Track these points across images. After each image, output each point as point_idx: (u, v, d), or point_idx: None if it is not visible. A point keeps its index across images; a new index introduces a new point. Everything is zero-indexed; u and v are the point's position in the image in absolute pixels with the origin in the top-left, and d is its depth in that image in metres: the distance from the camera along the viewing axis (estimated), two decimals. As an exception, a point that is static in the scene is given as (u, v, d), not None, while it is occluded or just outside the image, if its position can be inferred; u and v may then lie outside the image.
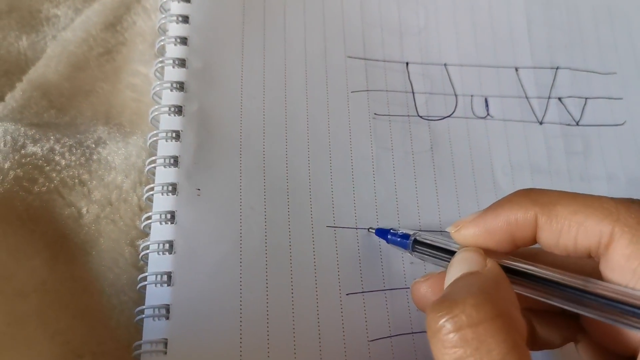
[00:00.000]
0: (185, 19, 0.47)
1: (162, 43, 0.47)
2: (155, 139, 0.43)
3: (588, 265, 0.32)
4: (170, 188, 0.41)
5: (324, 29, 0.50)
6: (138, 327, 0.39)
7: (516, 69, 0.53)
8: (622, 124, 0.53)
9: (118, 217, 0.43)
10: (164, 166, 0.42)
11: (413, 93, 0.50)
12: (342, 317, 0.41)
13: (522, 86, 0.52)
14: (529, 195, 0.32)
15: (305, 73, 0.48)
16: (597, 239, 0.29)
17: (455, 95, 0.51)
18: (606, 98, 0.54)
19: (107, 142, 0.46)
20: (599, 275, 0.30)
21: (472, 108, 0.50)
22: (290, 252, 0.42)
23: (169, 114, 0.44)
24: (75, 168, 0.44)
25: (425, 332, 0.42)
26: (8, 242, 0.41)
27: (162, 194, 0.41)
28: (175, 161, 0.42)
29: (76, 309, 0.41)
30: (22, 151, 0.44)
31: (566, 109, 0.52)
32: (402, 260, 0.44)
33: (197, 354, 0.38)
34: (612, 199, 0.30)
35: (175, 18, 0.47)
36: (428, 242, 0.37)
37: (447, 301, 0.28)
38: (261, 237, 0.42)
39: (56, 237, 0.43)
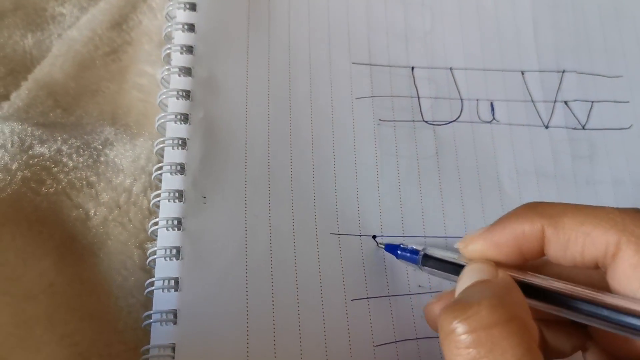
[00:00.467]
0: (191, 28, 0.48)
1: (167, 52, 0.48)
2: (161, 145, 0.44)
3: (595, 276, 0.33)
4: (176, 195, 0.43)
5: (329, 36, 0.51)
6: (145, 330, 0.40)
7: (522, 73, 0.53)
8: (629, 128, 0.54)
9: (127, 219, 0.44)
10: (171, 173, 0.43)
11: (418, 98, 0.51)
12: (347, 322, 0.42)
13: (528, 90, 0.53)
14: (535, 208, 0.32)
15: (310, 81, 0.49)
16: (603, 249, 0.30)
17: (461, 100, 0.51)
18: (612, 102, 0.55)
19: (114, 143, 0.47)
20: (606, 286, 0.31)
21: (477, 112, 0.51)
22: (295, 259, 0.43)
23: (175, 122, 0.45)
24: (83, 170, 0.45)
25: (429, 338, 0.43)
26: (16, 244, 0.42)
27: (169, 201, 0.43)
28: (181, 168, 0.43)
29: (84, 311, 0.42)
30: (30, 152, 0.45)
31: (572, 112, 0.53)
32: (406, 267, 0.45)
33: (205, 359, 0.39)
34: (618, 209, 0.31)
35: (181, 26, 0.48)
36: (437, 256, 0.38)
37: (460, 303, 0.29)
38: (266, 245, 0.43)
39: (64, 239, 0.43)
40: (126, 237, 0.44)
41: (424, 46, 0.53)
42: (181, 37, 0.48)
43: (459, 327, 0.28)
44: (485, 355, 0.27)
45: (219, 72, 0.47)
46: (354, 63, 0.50)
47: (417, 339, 0.43)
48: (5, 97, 0.50)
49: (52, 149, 0.45)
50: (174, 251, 0.41)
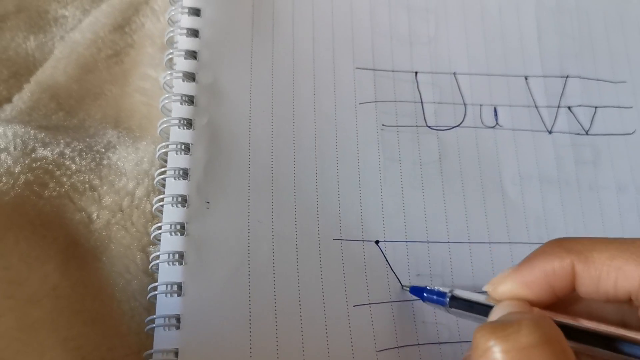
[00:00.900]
0: (195, 33, 0.49)
1: (170, 56, 0.49)
2: (165, 150, 0.45)
3: (627, 310, 0.33)
4: (180, 200, 0.44)
5: (333, 41, 0.51)
6: (148, 334, 0.41)
7: (526, 78, 0.54)
8: (632, 133, 0.55)
9: (130, 223, 0.45)
10: (174, 178, 0.44)
11: (422, 103, 0.51)
12: (349, 328, 0.43)
13: (531, 95, 0.54)
14: (562, 244, 0.32)
15: (314, 86, 0.49)
16: (637, 283, 0.30)
17: (465, 105, 0.52)
18: (616, 107, 0.55)
19: (117, 146, 0.48)
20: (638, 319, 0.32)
21: (481, 117, 0.52)
22: (297, 264, 0.44)
23: (179, 127, 0.46)
24: (86, 173, 0.46)
25: (431, 344, 0.44)
26: (20, 247, 0.42)
27: (173, 206, 0.43)
28: (185, 173, 0.44)
29: (87, 315, 0.42)
30: (33, 155, 0.45)
31: (576, 118, 0.54)
32: (408, 272, 0.46)
33: (208, 364, 0.40)
34: None
35: (185, 31, 0.48)
36: (465, 298, 0.37)
37: (498, 323, 0.29)
38: (269, 250, 0.44)
39: (67, 243, 0.44)
40: (129, 241, 0.45)
41: (428, 51, 0.54)
42: (185, 43, 0.48)
43: (496, 346, 0.28)
44: None
45: (223, 77, 0.48)
46: (357, 68, 0.51)
47: (418, 344, 0.44)
48: (8, 99, 0.51)
49: (54, 152, 0.46)
50: (177, 256, 0.42)
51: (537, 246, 0.46)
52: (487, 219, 0.49)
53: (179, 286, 0.41)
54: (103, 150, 0.47)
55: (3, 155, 0.45)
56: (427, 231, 0.47)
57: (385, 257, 0.46)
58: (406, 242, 0.47)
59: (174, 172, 0.44)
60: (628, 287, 0.30)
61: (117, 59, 0.53)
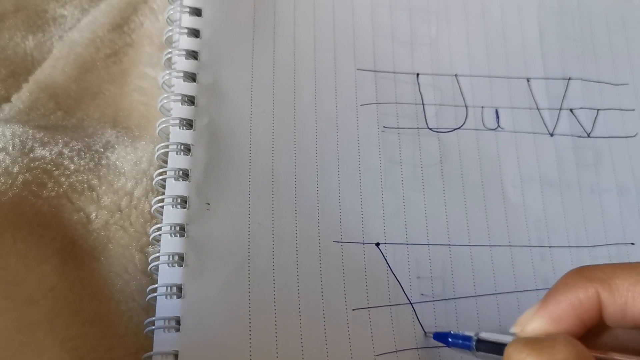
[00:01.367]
0: (195, 33, 0.49)
1: (169, 56, 0.49)
2: (164, 150, 0.46)
3: None
4: (180, 201, 0.44)
5: (334, 42, 0.52)
6: (146, 335, 0.42)
7: (528, 80, 0.55)
8: (634, 136, 0.55)
9: (128, 223, 0.45)
10: (175, 179, 0.44)
11: (423, 105, 0.52)
12: (348, 332, 0.43)
13: (533, 97, 0.54)
14: (583, 274, 0.32)
15: (315, 87, 0.50)
16: None
17: (466, 107, 0.52)
18: (618, 109, 0.56)
19: (116, 146, 0.48)
20: None
21: (482, 119, 0.52)
22: (297, 267, 0.44)
23: (180, 127, 0.46)
24: (84, 173, 0.46)
25: (429, 347, 0.44)
26: (17, 247, 0.43)
27: (173, 207, 0.44)
28: (185, 174, 0.45)
29: (85, 316, 0.43)
30: (31, 155, 0.46)
31: (577, 120, 0.54)
32: (409, 275, 0.46)
33: (208, 366, 0.40)
34: None
35: (185, 31, 0.49)
36: (493, 340, 0.37)
37: (533, 338, 0.30)
38: (269, 253, 0.44)
39: (65, 243, 0.44)
40: (127, 241, 0.45)
41: (429, 53, 0.54)
42: (186, 42, 0.49)
43: (530, 358, 0.28)
44: None
45: (224, 78, 0.48)
46: (359, 69, 0.51)
47: (417, 348, 0.44)
48: (6, 99, 0.51)
49: (53, 152, 0.46)
50: (177, 257, 0.42)
51: (538, 249, 0.48)
52: (488, 221, 0.49)
53: (179, 288, 0.42)
54: (102, 149, 0.48)
55: (1, 155, 0.45)
56: (427, 233, 0.48)
57: (386, 260, 0.46)
58: (407, 244, 0.47)
59: (174, 173, 0.45)
60: None
61: (116, 58, 0.53)
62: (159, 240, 0.44)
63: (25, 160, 0.45)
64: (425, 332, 0.45)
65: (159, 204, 0.44)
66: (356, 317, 0.44)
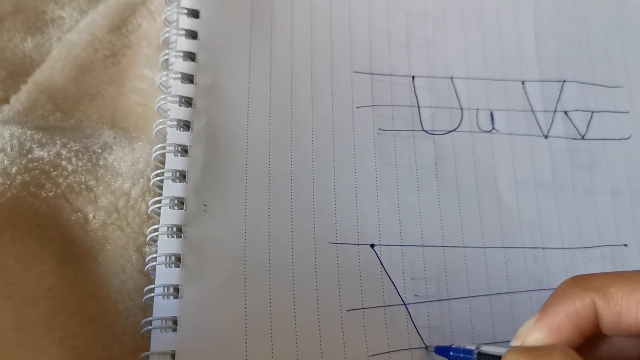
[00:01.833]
0: (193, 35, 0.50)
1: (166, 57, 0.49)
2: (162, 151, 0.46)
3: None
4: (177, 202, 0.45)
5: (331, 44, 0.52)
6: (144, 334, 0.42)
7: (523, 82, 0.55)
8: (629, 138, 0.56)
9: (125, 223, 0.46)
10: (172, 180, 0.45)
11: (418, 107, 0.52)
12: (342, 332, 0.44)
13: (528, 99, 0.54)
14: (579, 284, 0.32)
15: (311, 89, 0.50)
16: None
17: (461, 109, 0.53)
18: (613, 112, 0.56)
19: (113, 147, 0.48)
20: None
21: (477, 122, 0.53)
22: (293, 267, 0.45)
23: (177, 129, 0.47)
24: (82, 173, 0.47)
25: (421, 348, 0.45)
26: (16, 248, 0.43)
27: (170, 208, 0.44)
28: (182, 176, 0.45)
29: (83, 315, 0.43)
30: (29, 155, 0.46)
31: (572, 122, 0.55)
32: (403, 276, 0.47)
33: (204, 366, 0.41)
34: None
35: (183, 33, 0.49)
36: (493, 353, 0.37)
37: (530, 348, 0.30)
38: (265, 254, 0.45)
39: (63, 243, 0.45)
40: (124, 241, 0.45)
41: (425, 55, 0.54)
42: (183, 44, 0.49)
43: None
44: None
45: (221, 80, 0.49)
46: (355, 72, 0.52)
47: (410, 349, 0.45)
48: (5, 100, 0.51)
49: (51, 153, 0.47)
50: (174, 258, 0.43)
51: (531, 251, 0.48)
52: (482, 223, 0.50)
53: (176, 289, 0.42)
54: (99, 150, 0.48)
55: (0, 156, 0.46)
56: (422, 235, 0.48)
57: (380, 261, 0.46)
58: (401, 245, 0.47)
59: (172, 174, 0.45)
60: None
61: (114, 59, 0.54)
62: (155, 241, 0.44)
63: (23, 161, 0.46)
64: (426, 346, 0.45)
65: (156, 205, 0.45)
66: (350, 317, 0.44)
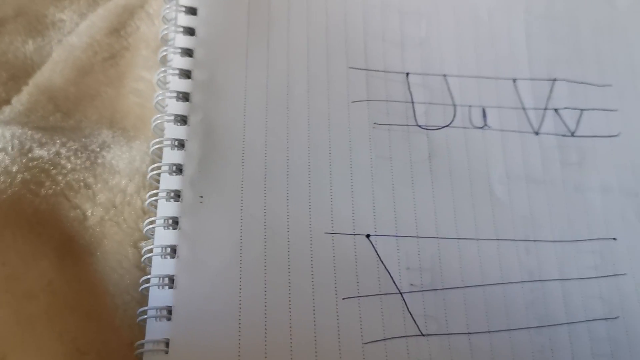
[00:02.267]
0: (191, 31, 0.50)
1: (164, 53, 0.49)
2: (159, 146, 0.46)
3: None
4: (173, 195, 0.44)
5: (327, 41, 0.52)
6: (141, 327, 0.42)
7: (514, 81, 0.55)
8: (617, 136, 0.55)
9: (122, 219, 0.46)
10: (169, 173, 0.45)
11: (413, 103, 0.52)
12: (337, 320, 0.44)
13: (519, 97, 0.54)
14: None
15: (307, 84, 0.50)
16: None
17: (454, 106, 0.53)
18: (602, 110, 0.56)
19: (112, 146, 0.48)
20: None
21: (470, 118, 0.53)
22: (289, 257, 0.44)
23: (175, 123, 0.47)
24: (81, 171, 0.47)
25: (417, 336, 0.45)
26: (17, 244, 0.43)
27: (167, 200, 0.44)
28: (179, 169, 0.45)
29: (82, 309, 0.43)
30: (29, 155, 0.46)
31: (562, 120, 0.54)
32: (398, 265, 0.46)
33: (197, 354, 0.41)
34: None
35: (181, 29, 0.49)
36: None
37: None
38: (260, 244, 0.44)
39: (63, 239, 0.45)
40: (121, 237, 0.46)
41: (419, 53, 0.54)
42: (181, 40, 0.49)
43: None
44: None
45: (219, 75, 0.49)
46: (350, 68, 0.52)
47: (406, 336, 0.45)
48: (7, 101, 0.51)
49: (51, 152, 0.47)
50: (170, 250, 0.43)
51: (523, 243, 0.48)
52: (475, 216, 0.49)
53: (171, 279, 0.42)
54: (98, 149, 0.48)
55: (1, 155, 0.46)
56: (416, 227, 0.48)
57: (376, 251, 0.46)
58: (396, 236, 0.47)
59: (169, 168, 0.45)
60: None
61: (113, 61, 0.54)
62: (152, 235, 0.44)
63: (24, 160, 0.46)
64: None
65: (153, 198, 0.45)
66: (346, 305, 0.44)
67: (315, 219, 0.46)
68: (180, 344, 0.41)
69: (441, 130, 0.52)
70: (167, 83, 0.49)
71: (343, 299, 0.44)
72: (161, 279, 0.42)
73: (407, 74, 0.53)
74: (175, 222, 0.44)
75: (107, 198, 0.46)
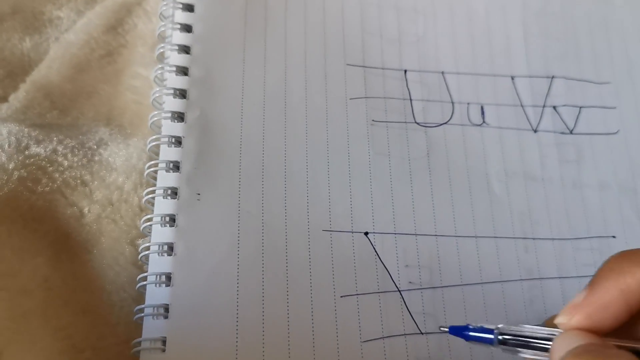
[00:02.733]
0: (188, 28, 0.49)
1: (161, 50, 0.49)
2: (156, 143, 0.46)
3: None
4: (170, 192, 0.44)
5: (324, 38, 0.52)
6: (137, 324, 0.42)
7: (512, 78, 0.55)
8: (615, 133, 0.55)
9: (119, 216, 0.46)
10: (166, 170, 0.44)
11: (410, 100, 0.51)
12: (336, 318, 0.43)
13: (517, 94, 0.54)
14: (629, 258, 0.31)
15: (305, 80, 0.50)
16: None
17: (452, 103, 0.52)
18: (600, 107, 0.56)
19: (109, 143, 0.48)
20: None
21: (468, 115, 0.52)
22: (287, 255, 0.44)
23: (172, 120, 0.46)
24: (78, 169, 0.46)
25: (416, 334, 0.44)
26: (12, 240, 0.43)
27: (164, 198, 0.44)
28: (176, 166, 0.45)
29: (78, 306, 0.43)
30: (26, 152, 0.46)
31: (560, 117, 0.54)
32: (397, 263, 0.46)
33: (194, 352, 0.40)
34: None
35: (178, 26, 0.49)
36: (517, 333, 0.34)
37: (591, 354, 0.28)
38: (258, 241, 0.44)
39: (59, 236, 0.45)
40: (118, 234, 0.45)
41: (416, 50, 0.54)
42: (178, 37, 0.49)
43: None
44: None
45: (216, 72, 0.48)
46: (348, 65, 0.51)
47: (405, 334, 0.44)
48: (4, 98, 0.51)
49: (47, 149, 0.46)
50: (167, 247, 0.42)
51: (522, 241, 0.48)
52: (474, 213, 0.49)
53: (168, 277, 0.42)
54: (95, 147, 0.48)
55: (-3, 153, 0.45)
56: (415, 224, 0.48)
57: (374, 248, 0.46)
58: (395, 234, 0.47)
59: (166, 165, 0.45)
60: None
61: (110, 58, 0.53)
62: (150, 232, 0.44)
63: (20, 157, 0.46)
64: (440, 327, 0.44)
65: (150, 195, 0.44)
66: (344, 303, 0.44)
67: (313, 216, 0.46)
68: (177, 342, 0.40)
69: (439, 127, 0.51)
70: (164, 80, 0.48)
71: (341, 296, 0.44)
72: (158, 276, 0.42)
73: (405, 71, 0.53)
74: (172, 220, 0.43)
75: (104, 195, 0.46)
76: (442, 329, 0.41)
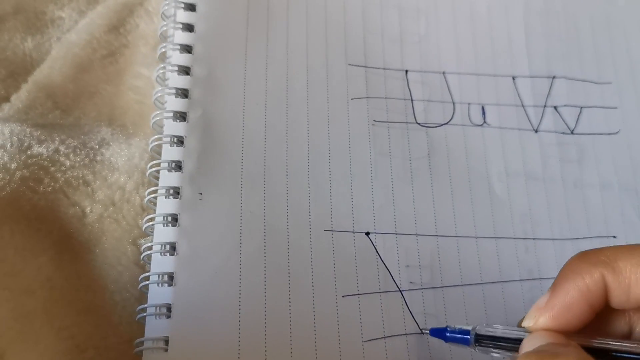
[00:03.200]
0: (190, 28, 0.49)
1: (163, 50, 0.49)
2: (158, 142, 0.46)
3: None
4: (172, 192, 0.44)
5: (326, 38, 0.52)
6: (139, 324, 0.42)
7: (513, 78, 0.55)
8: (617, 133, 0.55)
9: (121, 216, 0.46)
10: (168, 170, 0.45)
11: (412, 100, 0.52)
12: (337, 318, 0.43)
13: (518, 95, 0.54)
14: (587, 259, 0.32)
15: (307, 80, 0.50)
16: None
17: (453, 103, 0.52)
18: (601, 107, 0.56)
19: (111, 143, 0.48)
20: None
21: (469, 116, 0.52)
22: (289, 254, 0.44)
23: (174, 120, 0.46)
24: (80, 169, 0.46)
25: (418, 334, 0.44)
26: (15, 240, 0.43)
27: (166, 197, 0.44)
28: (178, 166, 0.45)
29: (80, 305, 0.43)
30: (28, 152, 0.46)
31: (561, 117, 0.54)
32: (398, 263, 0.46)
33: (197, 352, 0.40)
34: None
35: (180, 26, 0.49)
36: (491, 334, 0.35)
37: (546, 352, 0.29)
38: (260, 241, 0.44)
39: (61, 236, 0.45)
40: (120, 234, 0.45)
41: (418, 50, 0.54)
42: (180, 37, 0.49)
43: None
44: None
45: (218, 71, 0.48)
46: (350, 65, 0.52)
47: (406, 334, 0.44)
48: (6, 98, 0.51)
49: (50, 149, 0.47)
50: (169, 247, 0.42)
51: (522, 241, 0.48)
52: (474, 214, 0.49)
53: (171, 276, 0.42)
54: (97, 146, 0.48)
55: (0, 153, 0.45)
56: (416, 224, 0.48)
57: (376, 249, 0.46)
58: (396, 234, 0.47)
59: (168, 165, 0.45)
60: None
61: (112, 58, 0.53)
62: (152, 231, 0.44)
63: (22, 157, 0.46)
64: (421, 330, 0.45)
65: (152, 195, 0.44)
66: (346, 303, 0.44)
67: (314, 216, 0.46)
68: (180, 342, 0.40)
69: (440, 127, 0.52)
70: (166, 80, 0.48)
71: (343, 296, 0.44)
72: (160, 276, 0.42)
73: (406, 71, 0.53)
74: (174, 219, 0.43)
75: (106, 195, 0.46)
76: (423, 331, 0.42)
